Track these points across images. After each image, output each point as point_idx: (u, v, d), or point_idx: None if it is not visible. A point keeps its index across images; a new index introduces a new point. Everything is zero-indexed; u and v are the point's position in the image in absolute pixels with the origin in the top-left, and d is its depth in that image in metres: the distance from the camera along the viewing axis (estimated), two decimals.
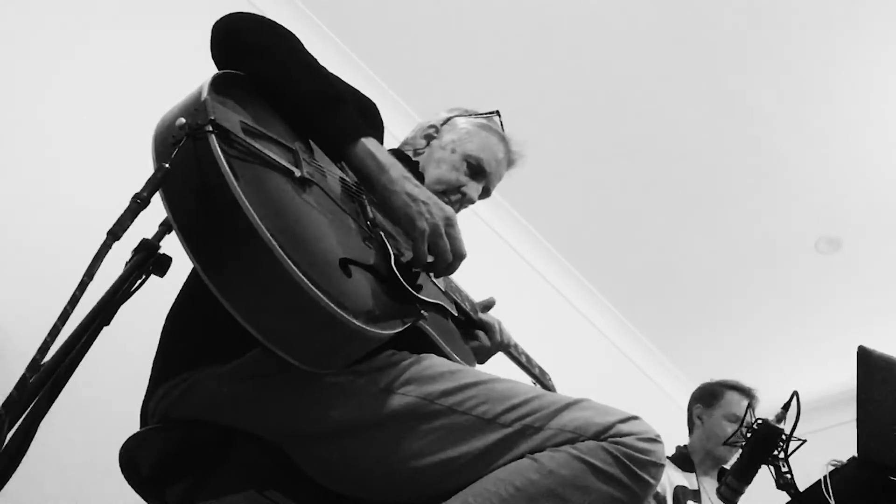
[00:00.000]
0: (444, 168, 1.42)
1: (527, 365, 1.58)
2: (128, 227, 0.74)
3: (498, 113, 1.57)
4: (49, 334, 0.67)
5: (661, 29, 2.96)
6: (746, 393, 2.66)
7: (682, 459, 2.63)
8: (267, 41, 1.03)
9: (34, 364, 0.67)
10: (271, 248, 0.77)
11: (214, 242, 0.82)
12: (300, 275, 0.78)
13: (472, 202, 1.44)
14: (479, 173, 1.45)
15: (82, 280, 0.70)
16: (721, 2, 2.85)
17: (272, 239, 0.77)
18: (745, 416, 1.80)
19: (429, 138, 1.51)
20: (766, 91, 3.11)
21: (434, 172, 1.42)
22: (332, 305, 0.81)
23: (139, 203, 0.76)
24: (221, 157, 0.79)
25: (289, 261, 0.78)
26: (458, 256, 1.05)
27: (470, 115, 1.55)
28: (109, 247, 0.72)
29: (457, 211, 1.44)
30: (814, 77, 3.05)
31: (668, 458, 2.65)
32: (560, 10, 2.94)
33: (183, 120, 0.83)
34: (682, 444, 2.75)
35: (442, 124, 1.53)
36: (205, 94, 0.87)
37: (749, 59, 3.01)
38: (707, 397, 2.70)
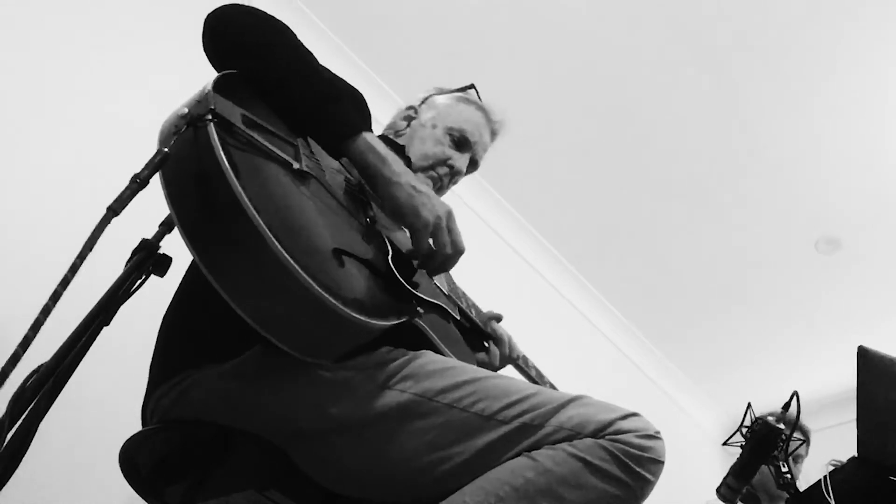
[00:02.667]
0: (428, 144, 1.42)
1: (536, 379, 1.56)
2: (127, 203, 0.75)
3: (474, 87, 1.56)
4: (50, 298, 0.68)
5: (659, 30, 2.96)
6: (804, 432, 2.67)
7: (750, 498, 2.64)
8: (262, 37, 1.02)
9: (25, 341, 0.67)
10: (262, 233, 0.79)
11: (209, 228, 0.84)
12: (289, 258, 0.80)
13: (461, 173, 1.43)
14: (464, 144, 1.44)
15: (81, 251, 0.71)
16: (719, 3, 2.85)
17: (262, 223, 0.79)
18: (744, 416, 1.80)
19: (408, 119, 1.51)
20: (765, 91, 3.11)
21: (419, 149, 1.41)
22: (321, 290, 0.81)
23: (138, 183, 0.77)
24: (218, 144, 0.81)
25: (279, 245, 0.79)
26: (458, 251, 1.05)
27: (446, 92, 1.55)
28: (108, 221, 0.73)
29: (447, 185, 1.44)
30: (813, 77, 3.05)
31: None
32: (561, 7, 2.94)
33: (186, 110, 0.85)
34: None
35: (420, 104, 1.53)
36: (209, 88, 0.89)
37: (748, 59, 3.01)
38: None
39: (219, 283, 0.83)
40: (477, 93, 1.56)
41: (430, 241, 1.03)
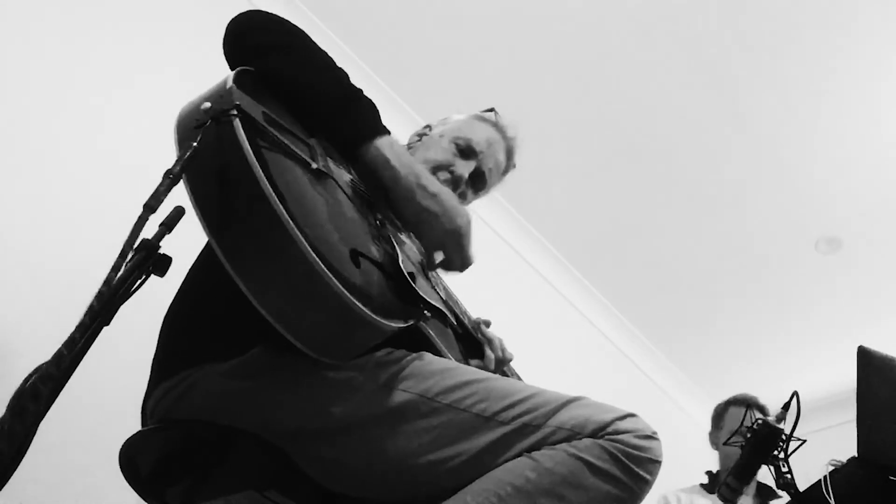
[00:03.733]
0: (431, 151, 1.42)
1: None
2: (162, 200, 0.76)
3: (494, 110, 1.56)
4: (95, 298, 0.69)
5: (661, 31, 2.96)
6: (743, 402, 2.66)
7: (713, 484, 2.64)
8: (281, 40, 1.04)
9: (72, 342, 0.67)
10: (288, 230, 0.79)
11: (234, 223, 0.84)
12: (315, 257, 0.80)
13: (463, 179, 1.40)
14: (469, 153, 1.42)
15: (123, 249, 0.71)
16: (721, 2, 2.85)
17: (290, 221, 0.79)
18: (744, 416, 1.80)
19: (421, 135, 1.52)
20: (766, 91, 3.12)
21: (422, 155, 1.41)
22: (343, 290, 0.82)
23: (171, 179, 0.78)
24: (245, 140, 0.82)
25: (305, 243, 0.80)
26: (465, 265, 1.10)
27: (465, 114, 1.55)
28: (146, 220, 0.74)
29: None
30: (814, 77, 3.05)
31: (700, 485, 2.68)
32: (562, 10, 2.94)
33: (208, 104, 0.86)
34: (712, 470, 2.76)
35: (437, 124, 1.54)
36: (230, 83, 0.89)
37: (749, 59, 3.01)
38: (715, 420, 2.73)
39: (241, 278, 0.83)
40: (496, 116, 1.54)
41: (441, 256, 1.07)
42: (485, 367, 1.37)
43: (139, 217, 0.73)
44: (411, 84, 3.22)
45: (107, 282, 0.69)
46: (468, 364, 1.30)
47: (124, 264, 0.72)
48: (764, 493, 2.62)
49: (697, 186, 3.55)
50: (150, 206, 0.74)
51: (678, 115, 3.25)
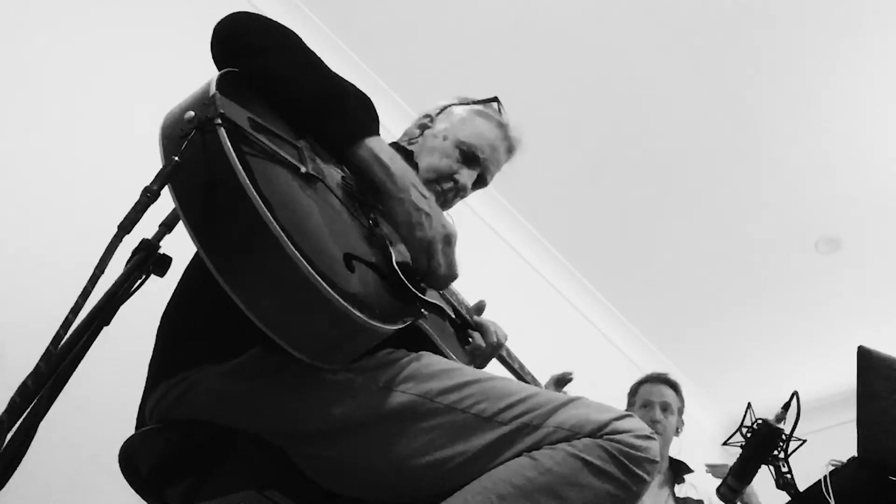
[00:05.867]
0: (435, 156, 1.39)
1: (520, 372, 1.56)
2: (138, 220, 0.74)
3: (497, 100, 1.52)
4: (62, 326, 0.68)
5: (663, 29, 2.96)
6: (656, 380, 2.67)
7: None
8: (271, 41, 1.03)
9: (48, 354, 0.67)
10: (279, 240, 0.78)
11: (223, 235, 0.83)
12: (307, 266, 0.79)
13: (465, 190, 1.39)
14: (472, 160, 1.40)
15: (94, 273, 0.70)
16: (722, 2, 2.85)
17: (280, 231, 0.78)
18: (744, 416, 1.80)
19: (423, 127, 1.48)
20: (766, 91, 3.12)
21: (426, 160, 1.39)
22: (339, 298, 0.81)
23: (149, 197, 0.76)
24: (231, 149, 0.80)
25: (296, 252, 0.79)
26: (450, 276, 1.06)
27: (467, 102, 1.51)
28: (120, 240, 0.73)
29: (452, 199, 1.41)
30: (814, 76, 3.05)
31: None
32: (562, 7, 2.94)
33: (192, 113, 0.84)
34: None
35: (438, 113, 1.50)
36: (213, 89, 0.87)
37: (750, 58, 3.01)
38: (629, 395, 2.73)
39: (233, 289, 0.82)
40: (500, 107, 1.51)
41: (426, 259, 1.04)
42: (473, 350, 1.37)
43: (113, 237, 0.72)
44: (411, 84, 3.22)
45: (74, 308, 0.68)
46: (464, 351, 1.31)
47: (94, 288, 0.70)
48: (676, 467, 2.62)
49: (698, 186, 3.55)
50: (125, 227, 0.73)
51: (679, 115, 3.25)
